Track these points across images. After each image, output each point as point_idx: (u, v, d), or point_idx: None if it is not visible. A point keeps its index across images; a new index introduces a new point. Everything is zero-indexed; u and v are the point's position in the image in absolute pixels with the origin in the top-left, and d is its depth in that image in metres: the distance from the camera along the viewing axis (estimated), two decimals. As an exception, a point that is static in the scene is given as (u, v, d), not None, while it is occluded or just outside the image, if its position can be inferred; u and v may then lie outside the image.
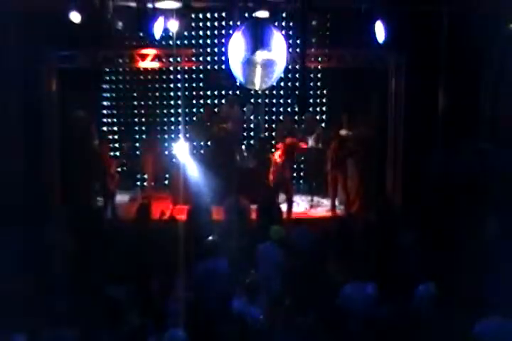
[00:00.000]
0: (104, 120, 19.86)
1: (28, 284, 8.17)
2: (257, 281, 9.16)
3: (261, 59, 13.87)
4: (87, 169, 16.66)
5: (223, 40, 17.17)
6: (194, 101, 19.86)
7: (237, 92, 19.22)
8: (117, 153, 18.24)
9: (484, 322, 7.56)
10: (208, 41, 19.11)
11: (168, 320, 7.83)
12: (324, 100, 19.64)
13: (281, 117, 19.56)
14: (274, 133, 19.48)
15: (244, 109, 18.60)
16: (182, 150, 17.74)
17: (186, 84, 19.71)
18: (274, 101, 19.87)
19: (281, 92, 19.69)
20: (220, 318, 8.17)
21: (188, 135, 19.18)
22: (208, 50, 16.60)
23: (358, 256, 10.75)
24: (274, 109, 19.94)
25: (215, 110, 19.29)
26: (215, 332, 7.77)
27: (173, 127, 20.02)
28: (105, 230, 12.56)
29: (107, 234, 11.98)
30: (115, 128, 19.95)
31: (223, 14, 18.49)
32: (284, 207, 15.12)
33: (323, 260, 10.71)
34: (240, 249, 11.17)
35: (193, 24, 18.55)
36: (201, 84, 19.77)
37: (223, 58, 15.47)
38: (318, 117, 19.49)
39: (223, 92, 19.69)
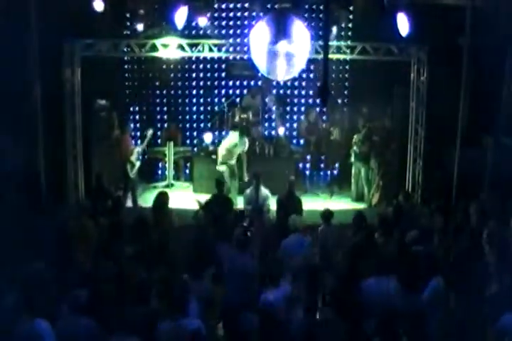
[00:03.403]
0: (126, 108, 19.88)
1: (52, 271, 8.14)
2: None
3: (283, 50, 13.89)
4: (108, 157, 16.91)
5: (246, 31, 17.21)
6: (216, 91, 19.88)
7: (259, 83, 19.21)
8: (139, 142, 18.30)
9: (507, 317, 7.54)
10: (231, 31, 19.18)
11: (188, 309, 7.75)
12: (346, 92, 19.57)
13: (302, 108, 19.60)
14: (295, 125, 19.53)
15: (266, 99, 18.61)
16: (203, 140, 17.80)
17: (208, 74, 19.82)
18: (296, 92, 19.90)
19: (303, 83, 19.70)
20: (245, 309, 8.11)
21: (209, 124, 19.35)
22: (231, 40, 16.52)
23: (376, 249, 10.63)
24: (295, 100, 19.97)
25: (237, 100, 19.27)
26: (238, 323, 7.70)
27: (194, 116, 20.11)
28: (125, 217, 12.45)
29: (126, 221, 11.77)
30: (137, 117, 20.05)
31: (246, 5, 18.48)
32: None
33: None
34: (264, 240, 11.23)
35: (216, 14, 18.53)
36: (223, 74, 19.77)
37: (246, 49, 15.48)
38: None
39: (245, 83, 19.73)
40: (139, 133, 19.48)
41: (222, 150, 16.55)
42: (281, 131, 18.38)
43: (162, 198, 12.80)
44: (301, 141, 18.95)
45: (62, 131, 15.58)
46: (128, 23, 17.55)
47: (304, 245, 10.79)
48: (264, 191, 13.92)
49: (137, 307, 7.78)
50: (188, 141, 19.93)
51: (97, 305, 7.62)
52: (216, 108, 19.54)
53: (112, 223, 11.20)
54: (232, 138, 16.70)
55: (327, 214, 11.73)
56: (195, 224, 12.02)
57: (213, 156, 17.13)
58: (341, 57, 15.91)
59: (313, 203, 16.10)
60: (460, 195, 14.46)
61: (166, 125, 19.52)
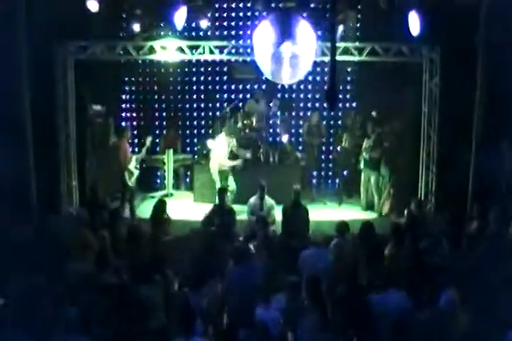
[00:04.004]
0: (123, 114, 19.64)
1: (50, 284, 8.05)
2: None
3: (288, 52, 13.61)
4: (104, 165, 16.47)
5: (249, 32, 16.80)
6: (217, 96, 19.59)
7: (263, 86, 18.89)
8: (136, 149, 18.01)
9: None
10: (233, 32, 18.92)
11: (193, 323, 7.62)
12: (354, 95, 19.26)
13: (308, 113, 19.06)
14: (301, 130, 19.01)
15: (271, 104, 18.27)
16: (204, 147, 17.37)
17: (209, 78, 19.52)
18: (302, 96, 19.53)
19: (309, 87, 19.36)
20: (244, 323, 7.96)
21: (210, 130, 18.90)
22: (233, 41, 16.15)
23: (385, 260, 10.52)
24: (301, 105, 19.59)
25: (240, 105, 18.91)
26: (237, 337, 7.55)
27: (195, 122, 19.81)
28: (122, 229, 12.10)
29: (123, 233, 11.65)
30: (134, 123, 19.70)
31: (249, 4, 18.30)
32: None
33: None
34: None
35: (217, 14, 18.22)
36: (225, 78, 19.48)
37: (249, 51, 15.06)
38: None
39: (248, 86, 19.42)
40: (136, 140, 19.20)
41: (218, 157, 16.07)
42: (285, 137, 17.91)
43: (160, 206, 12.88)
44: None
45: (55, 139, 15.04)
46: (124, 24, 17.09)
47: (323, 258, 10.46)
48: (269, 200, 13.75)
49: (139, 324, 7.81)
50: (188, 148, 19.62)
51: (92, 322, 7.47)
52: (218, 113, 19.13)
53: (110, 236, 11.17)
54: (221, 140, 16.21)
55: (342, 228, 11.36)
56: (195, 235, 11.81)
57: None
58: (349, 58, 15.50)
59: (320, 213, 15.79)
60: (476, 202, 14.00)
61: (164, 131, 19.23)
